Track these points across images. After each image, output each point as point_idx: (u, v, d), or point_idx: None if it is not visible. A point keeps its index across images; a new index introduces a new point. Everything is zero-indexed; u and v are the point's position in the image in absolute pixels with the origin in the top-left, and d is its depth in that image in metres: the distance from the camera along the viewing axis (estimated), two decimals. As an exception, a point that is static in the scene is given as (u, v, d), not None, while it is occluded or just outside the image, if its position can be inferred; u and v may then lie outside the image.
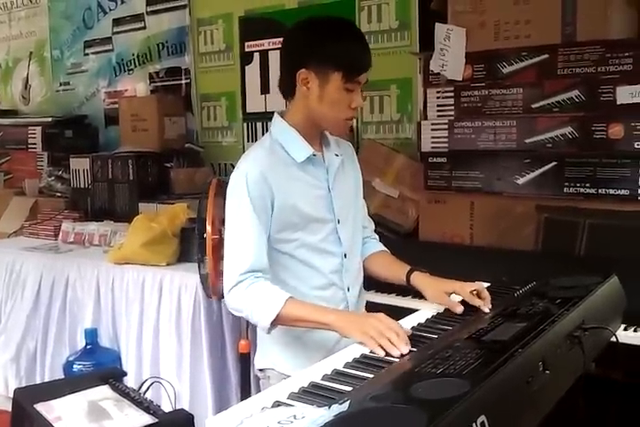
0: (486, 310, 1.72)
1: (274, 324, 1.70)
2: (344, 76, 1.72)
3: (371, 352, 1.48)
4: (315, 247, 1.83)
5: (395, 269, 1.98)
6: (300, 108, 1.82)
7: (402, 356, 1.44)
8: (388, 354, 1.47)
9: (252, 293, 1.71)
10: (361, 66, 1.75)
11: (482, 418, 1.04)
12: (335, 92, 1.74)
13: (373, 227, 2.13)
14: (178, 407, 1.63)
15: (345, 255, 1.89)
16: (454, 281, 1.84)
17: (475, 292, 1.78)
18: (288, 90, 1.83)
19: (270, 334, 1.84)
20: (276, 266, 1.83)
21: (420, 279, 1.90)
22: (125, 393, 1.56)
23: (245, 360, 2.74)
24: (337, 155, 1.91)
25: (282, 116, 1.88)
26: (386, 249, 2.11)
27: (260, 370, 1.95)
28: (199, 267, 2.85)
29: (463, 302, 1.78)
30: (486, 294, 1.77)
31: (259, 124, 4.21)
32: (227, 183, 1.84)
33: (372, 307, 2.05)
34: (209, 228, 2.65)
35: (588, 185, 2.56)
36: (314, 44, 1.75)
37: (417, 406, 1.04)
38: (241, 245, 1.75)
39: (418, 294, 2.58)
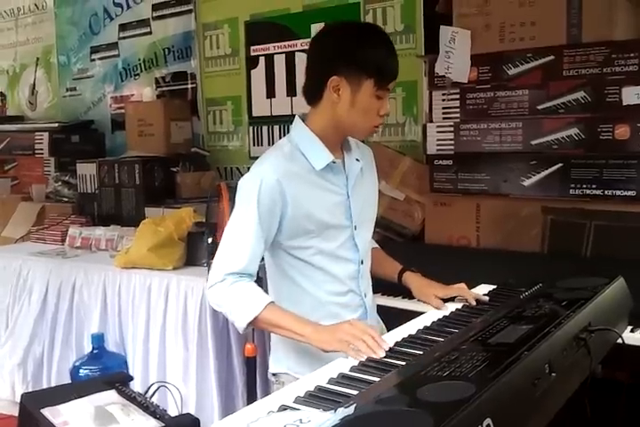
0: (474, 303, 1.85)
1: (250, 326, 1.70)
2: (376, 83, 1.72)
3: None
4: (331, 254, 1.82)
5: (387, 267, 2.07)
6: (325, 114, 1.79)
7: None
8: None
9: (235, 291, 1.72)
10: (393, 73, 1.76)
11: (488, 421, 1.04)
12: (367, 99, 1.73)
13: None
14: (184, 412, 1.63)
15: (362, 262, 1.89)
16: (442, 285, 1.95)
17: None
18: (314, 96, 1.80)
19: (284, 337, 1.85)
20: (292, 272, 1.83)
21: (411, 279, 2.01)
22: (132, 398, 1.56)
23: (251, 364, 2.73)
24: (357, 160, 1.90)
25: (303, 120, 1.85)
26: (377, 246, 2.14)
27: (274, 374, 1.94)
28: (209, 271, 2.85)
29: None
30: (469, 292, 1.89)
31: (264, 128, 4.21)
32: (234, 187, 1.84)
33: (378, 310, 2.05)
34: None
35: (594, 186, 2.55)
36: (347, 50, 1.73)
37: (423, 409, 1.04)
38: (238, 246, 1.75)
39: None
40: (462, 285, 1.93)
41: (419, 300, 1.98)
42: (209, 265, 2.81)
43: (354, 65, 1.71)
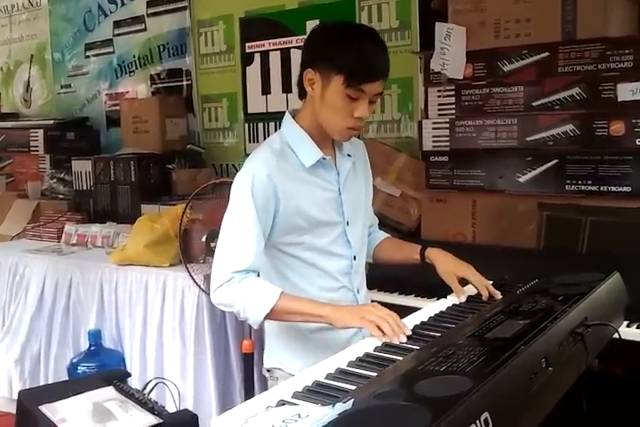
0: (485, 294, 1.82)
1: (266, 318, 1.69)
2: (345, 80, 1.67)
3: (374, 350, 1.48)
4: (323, 250, 1.82)
5: (407, 250, 2.03)
6: (309, 110, 1.79)
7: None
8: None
9: (245, 287, 1.70)
10: (365, 73, 1.67)
11: (485, 415, 1.04)
12: (335, 96, 1.70)
13: (377, 222, 2.14)
14: (182, 408, 1.64)
15: (354, 257, 1.89)
16: (468, 266, 1.90)
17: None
18: (300, 90, 1.80)
19: (277, 332, 1.85)
20: (284, 268, 1.83)
21: (436, 254, 1.95)
22: (130, 394, 1.56)
23: (249, 360, 2.74)
24: (349, 155, 1.89)
25: (293, 116, 1.85)
26: (389, 235, 2.14)
27: (268, 370, 1.94)
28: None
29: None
30: (494, 289, 1.84)
31: (260, 125, 4.22)
32: (229, 184, 1.84)
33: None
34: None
35: (589, 182, 2.56)
36: (322, 44, 1.72)
37: (421, 403, 1.05)
38: (241, 243, 1.73)
39: (420, 293, 2.62)
40: (487, 282, 1.89)
41: (441, 277, 1.92)
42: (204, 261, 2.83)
43: (325, 59, 1.69)
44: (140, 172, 4.03)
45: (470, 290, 1.89)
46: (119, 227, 3.84)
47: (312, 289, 1.83)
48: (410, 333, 1.54)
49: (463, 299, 1.85)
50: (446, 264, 1.91)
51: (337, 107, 1.72)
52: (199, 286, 2.90)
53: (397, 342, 1.50)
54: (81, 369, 3.13)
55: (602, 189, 2.54)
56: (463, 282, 1.89)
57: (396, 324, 1.55)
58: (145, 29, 4.75)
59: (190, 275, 2.91)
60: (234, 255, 1.73)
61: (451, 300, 1.86)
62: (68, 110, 5.32)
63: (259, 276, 1.78)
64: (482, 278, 1.87)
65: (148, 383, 1.67)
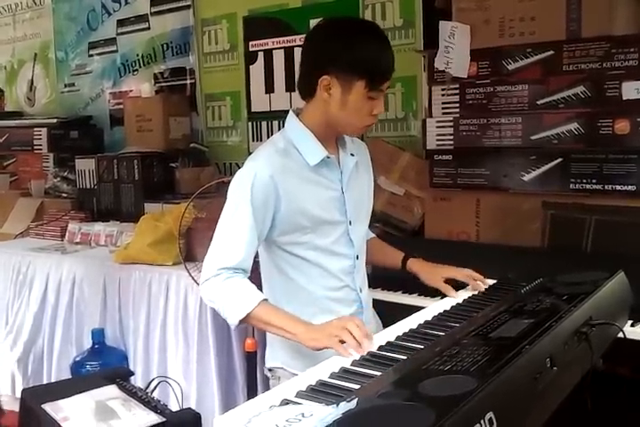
0: (483, 289, 1.90)
1: (242, 322, 1.70)
2: (367, 84, 1.69)
3: (378, 349, 1.47)
4: (326, 249, 1.82)
5: (389, 255, 2.09)
6: (318, 111, 1.78)
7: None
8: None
9: (229, 286, 1.71)
10: (385, 74, 1.72)
11: (490, 415, 1.04)
12: (358, 100, 1.71)
13: None
14: (185, 407, 1.63)
15: (357, 257, 1.89)
16: (449, 266, 1.97)
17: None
18: (307, 91, 1.79)
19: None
20: (287, 268, 1.83)
21: (417, 265, 2.02)
22: (133, 393, 1.56)
23: (252, 359, 2.73)
24: (352, 155, 1.90)
25: (297, 115, 1.85)
26: (374, 235, 2.16)
27: (270, 369, 1.94)
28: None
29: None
30: (478, 275, 1.93)
31: (263, 124, 4.21)
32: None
33: (377, 305, 2.05)
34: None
35: (594, 181, 2.56)
36: (339, 50, 1.70)
37: (425, 403, 1.04)
38: (232, 241, 1.74)
39: (424, 292, 2.61)
40: (469, 271, 1.94)
41: (428, 285, 1.99)
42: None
43: (344, 66, 1.69)
44: (144, 170, 4.03)
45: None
46: (122, 225, 3.83)
47: (315, 288, 1.83)
48: (372, 348, 1.49)
49: (454, 295, 1.89)
50: (428, 272, 1.99)
51: (359, 109, 1.74)
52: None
53: (359, 355, 1.45)
54: (84, 368, 3.13)
55: (606, 187, 2.53)
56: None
57: (357, 328, 1.52)
58: (148, 28, 4.75)
59: (189, 274, 2.90)
60: (223, 252, 1.74)
61: (464, 293, 1.87)
62: (72, 109, 5.32)
63: (251, 273, 1.78)
64: (463, 270, 1.94)
65: (150, 382, 1.66)
